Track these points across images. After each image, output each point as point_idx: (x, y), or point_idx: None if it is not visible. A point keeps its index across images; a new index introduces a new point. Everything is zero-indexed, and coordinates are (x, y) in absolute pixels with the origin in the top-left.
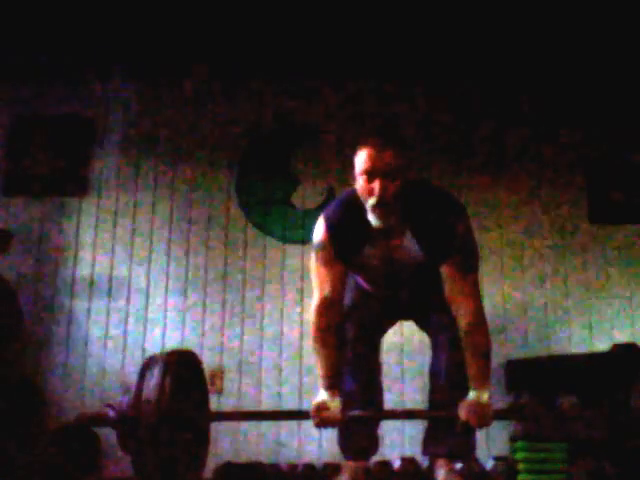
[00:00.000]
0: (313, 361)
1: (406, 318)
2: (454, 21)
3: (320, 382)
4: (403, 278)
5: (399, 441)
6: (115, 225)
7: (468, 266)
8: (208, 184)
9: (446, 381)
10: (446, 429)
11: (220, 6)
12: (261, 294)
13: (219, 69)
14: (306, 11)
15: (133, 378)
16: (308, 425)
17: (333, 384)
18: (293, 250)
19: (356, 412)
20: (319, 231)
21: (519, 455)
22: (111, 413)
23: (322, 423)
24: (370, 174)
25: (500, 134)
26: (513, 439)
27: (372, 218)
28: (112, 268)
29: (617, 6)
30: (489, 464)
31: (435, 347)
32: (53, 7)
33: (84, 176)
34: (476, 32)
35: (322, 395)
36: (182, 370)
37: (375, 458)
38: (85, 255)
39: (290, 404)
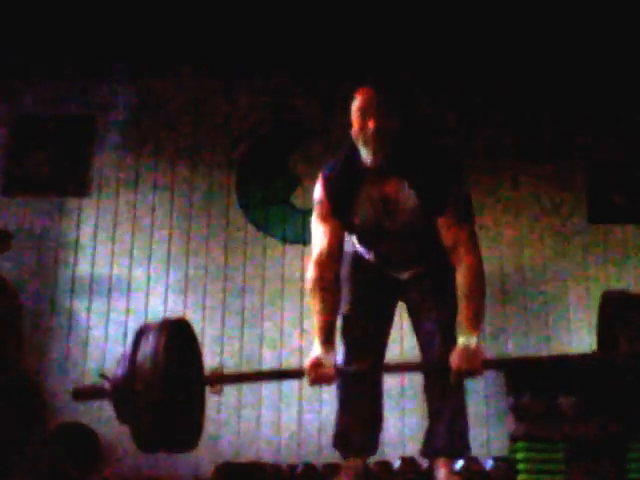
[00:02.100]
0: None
1: (404, 299)
2: (455, 21)
3: (315, 336)
4: (398, 233)
5: (399, 441)
6: (115, 225)
7: (465, 216)
8: (208, 184)
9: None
10: (444, 429)
11: (220, 6)
12: (261, 294)
13: (219, 68)
14: (306, 11)
15: None
16: (308, 425)
17: (328, 339)
18: (293, 250)
19: (350, 368)
20: (317, 188)
21: (519, 455)
22: (106, 385)
23: (317, 380)
24: (364, 112)
25: (500, 135)
26: (513, 439)
27: (365, 154)
28: (112, 268)
29: (617, 9)
30: (489, 464)
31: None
32: (53, 7)
33: (84, 176)
34: (477, 33)
35: (316, 350)
36: (176, 337)
37: (375, 458)
38: (85, 255)
39: (290, 404)
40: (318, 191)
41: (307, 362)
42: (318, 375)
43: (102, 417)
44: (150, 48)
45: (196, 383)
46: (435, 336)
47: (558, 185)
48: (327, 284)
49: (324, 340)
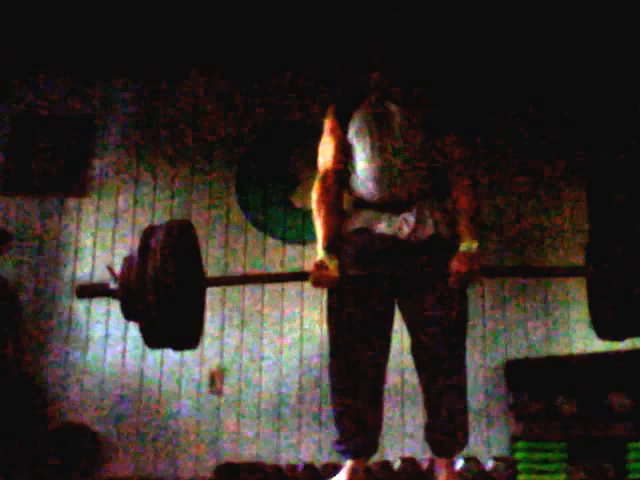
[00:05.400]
0: (312, 359)
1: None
2: (455, 21)
3: (319, 244)
4: (403, 138)
5: (399, 441)
6: (115, 225)
7: (468, 139)
8: (208, 184)
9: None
10: (447, 420)
11: (220, 7)
12: (261, 294)
13: (219, 69)
14: (307, 12)
15: (131, 379)
16: (308, 425)
17: (331, 246)
18: (293, 250)
19: (353, 272)
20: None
21: (519, 455)
22: (112, 285)
23: (320, 281)
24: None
25: (500, 134)
26: (513, 439)
27: (380, 52)
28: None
29: (618, 9)
30: (489, 464)
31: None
32: (53, 7)
33: (84, 176)
34: (478, 32)
35: (320, 255)
36: (182, 236)
37: (375, 458)
38: (85, 255)
39: (290, 404)
40: (328, 111)
41: (313, 264)
42: (322, 276)
43: (102, 417)
44: (150, 48)
45: (199, 283)
46: (440, 337)
47: (558, 185)
48: (331, 196)
49: (328, 247)
